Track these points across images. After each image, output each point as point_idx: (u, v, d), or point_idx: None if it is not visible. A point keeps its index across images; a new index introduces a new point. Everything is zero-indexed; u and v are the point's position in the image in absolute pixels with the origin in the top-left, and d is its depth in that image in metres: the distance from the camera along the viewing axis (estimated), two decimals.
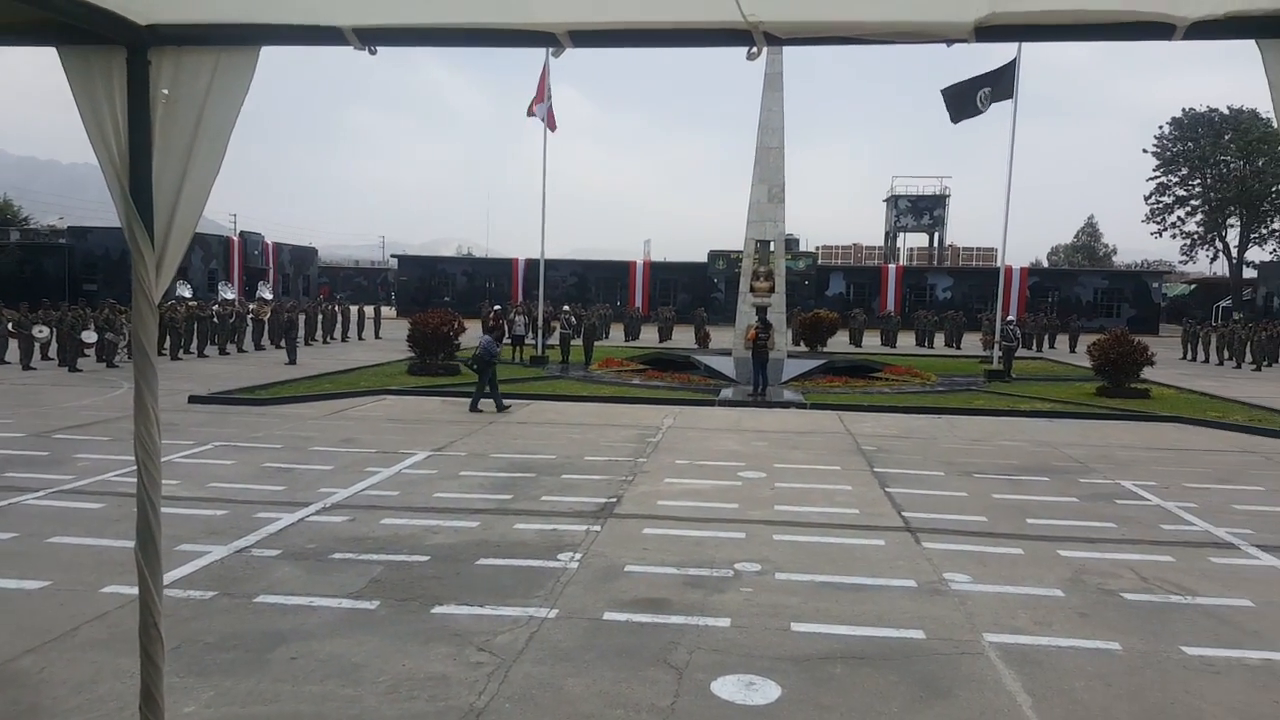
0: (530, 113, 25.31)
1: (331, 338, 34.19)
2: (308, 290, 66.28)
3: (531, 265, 50.14)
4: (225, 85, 2.72)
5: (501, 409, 16.44)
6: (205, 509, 9.00)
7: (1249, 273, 63.30)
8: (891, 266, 58.74)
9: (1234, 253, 63.24)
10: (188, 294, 34.83)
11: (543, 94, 24.87)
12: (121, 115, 2.71)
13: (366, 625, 6.10)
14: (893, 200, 65.59)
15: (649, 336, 38.96)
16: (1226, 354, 31.83)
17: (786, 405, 18.09)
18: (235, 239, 59.97)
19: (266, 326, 29.63)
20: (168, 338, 24.68)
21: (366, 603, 6.52)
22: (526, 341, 27.12)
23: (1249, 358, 30.68)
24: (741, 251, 24.24)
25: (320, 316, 34.48)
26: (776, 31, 2.09)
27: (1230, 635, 6.23)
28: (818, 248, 62.85)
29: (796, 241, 57.30)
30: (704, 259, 56.56)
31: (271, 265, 62.65)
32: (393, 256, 74.25)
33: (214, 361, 24.87)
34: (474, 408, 16.40)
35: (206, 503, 9.26)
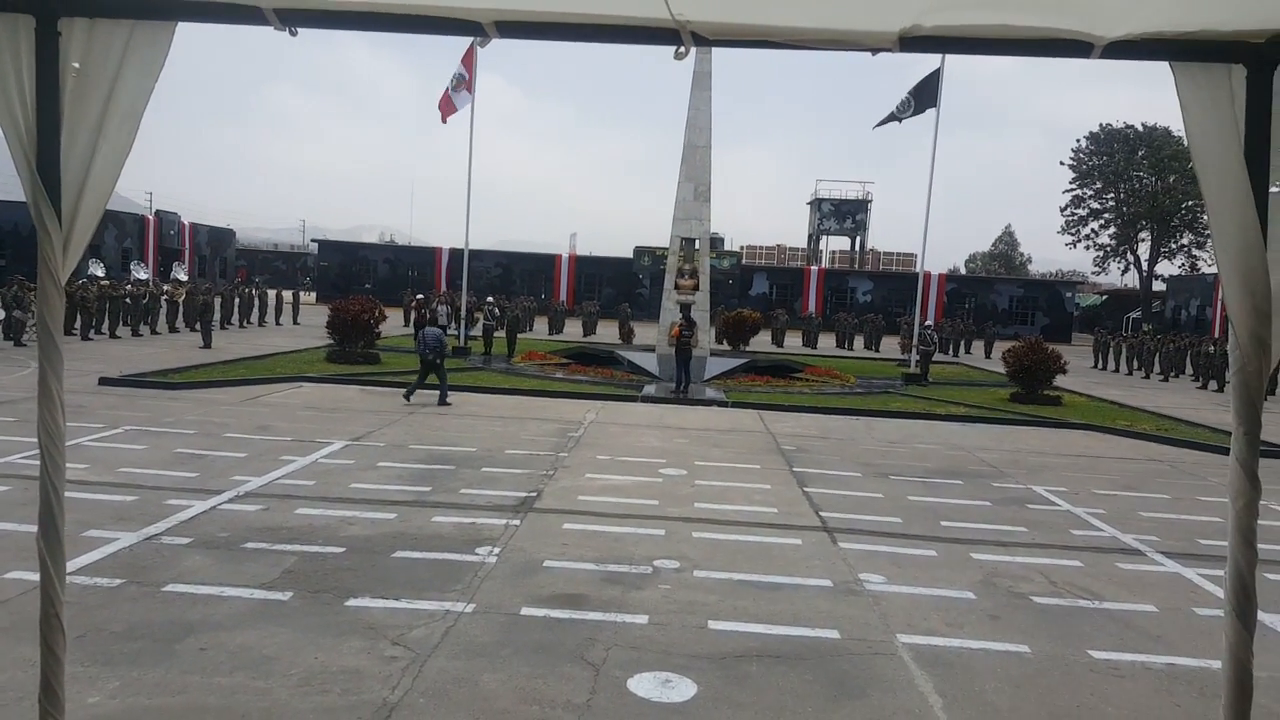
0: (450, 109, 24.43)
1: (249, 322, 33.23)
2: (225, 272, 64.31)
3: (455, 255, 49.54)
4: (139, 60, 2.60)
5: (444, 403, 16.17)
6: (114, 494, 8.67)
7: (1158, 285, 66.37)
8: (814, 268, 59.71)
9: (1144, 266, 66.22)
10: (100, 273, 33.37)
11: (468, 83, 24.40)
12: (29, 88, 2.57)
13: (279, 617, 5.95)
14: (816, 203, 66.72)
15: (573, 330, 38.87)
16: (1136, 364, 33.26)
17: (709, 403, 18.25)
18: (150, 218, 57.74)
19: (181, 308, 28.58)
20: (78, 317, 23.62)
21: (279, 594, 6.35)
22: (449, 332, 26.69)
23: (1157, 368, 32.04)
24: (667, 248, 24.37)
25: (237, 300, 33.45)
26: (704, 32, 2.07)
27: (1135, 640, 6.44)
28: (742, 247, 63.47)
29: (721, 240, 57.82)
30: (630, 254, 56.64)
31: (188, 246, 60.49)
32: (313, 241, 72.22)
33: (126, 343, 23.87)
34: (442, 401, 16.24)
35: (116, 488, 8.91)
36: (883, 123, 26.31)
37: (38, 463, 2.76)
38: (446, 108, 24.40)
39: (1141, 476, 12.89)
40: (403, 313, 36.27)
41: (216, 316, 27.91)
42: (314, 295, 53.99)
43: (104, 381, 16.06)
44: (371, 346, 21.86)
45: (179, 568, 6.78)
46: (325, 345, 22.52)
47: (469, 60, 24.29)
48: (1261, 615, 2.28)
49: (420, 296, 30.50)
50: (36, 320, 2.69)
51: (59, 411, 2.69)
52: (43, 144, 2.58)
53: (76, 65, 2.59)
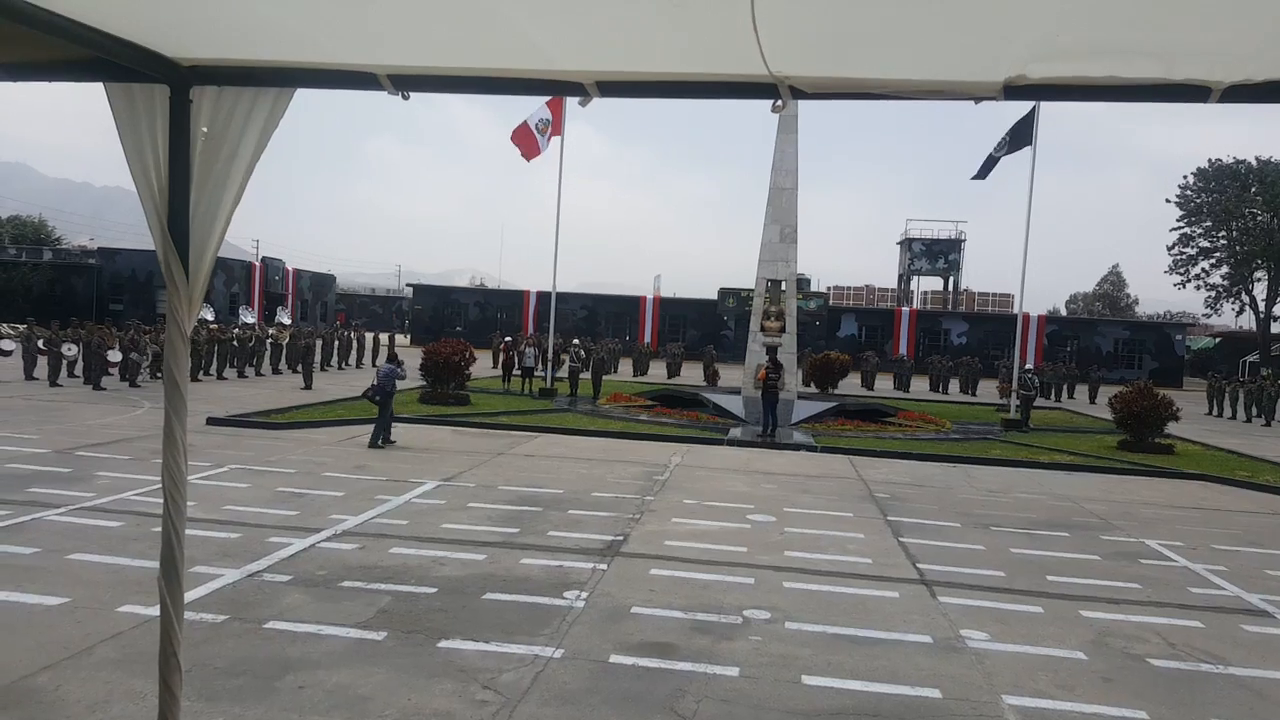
0: (535, 150, 24.93)
1: (347, 364, 34.39)
2: (325, 316, 67.06)
3: (543, 298, 50.41)
4: (260, 121, 2.77)
5: (381, 444, 15.09)
6: (219, 531, 9.00)
7: (1277, 328, 62.62)
8: (905, 309, 58.57)
9: (1261, 307, 62.62)
10: (210, 316, 35.20)
11: (558, 126, 24.98)
12: (163, 149, 2.76)
13: (373, 656, 6.04)
14: (906, 243, 65.62)
15: (657, 372, 38.93)
16: (1255, 411, 31.38)
17: (797, 447, 17.95)
18: (257, 264, 60.79)
19: (284, 351, 29.85)
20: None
21: (374, 633, 6.47)
22: (536, 374, 27.13)
23: (1277, 415, 30.20)
24: (752, 290, 24.27)
25: (337, 342, 34.70)
26: (802, 86, 2.07)
27: (1265, 709, 6.01)
28: (829, 288, 62.87)
29: (808, 281, 57.34)
30: (714, 296, 56.62)
31: (291, 291, 63.40)
32: (408, 285, 74.78)
33: (232, 384, 25.02)
34: (381, 442, 15.21)
35: (221, 525, 9.26)
36: (982, 172, 25.88)
37: (152, 500, 2.89)
38: (526, 144, 24.84)
39: (1266, 531, 12.08)
40: (491, 355, 37.09)
41: (317, 358, 28.97)
42: (408, 337, 55.67)
43: (211, 421, 16.81)
44: (462, 388, 22.33)
45: (279, 605, 6.97)
46: (418, 386, 23.12)
47: (556, 106, 24.87)
48: None
49: (509, 339, 31.09)
50: (164, 370, 2.84)
51: (182, 456, 2.82)
52: (174, 203, 2.75)
53: (205, 130, 2.77)
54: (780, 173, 23.37)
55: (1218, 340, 70.52)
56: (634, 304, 58.74)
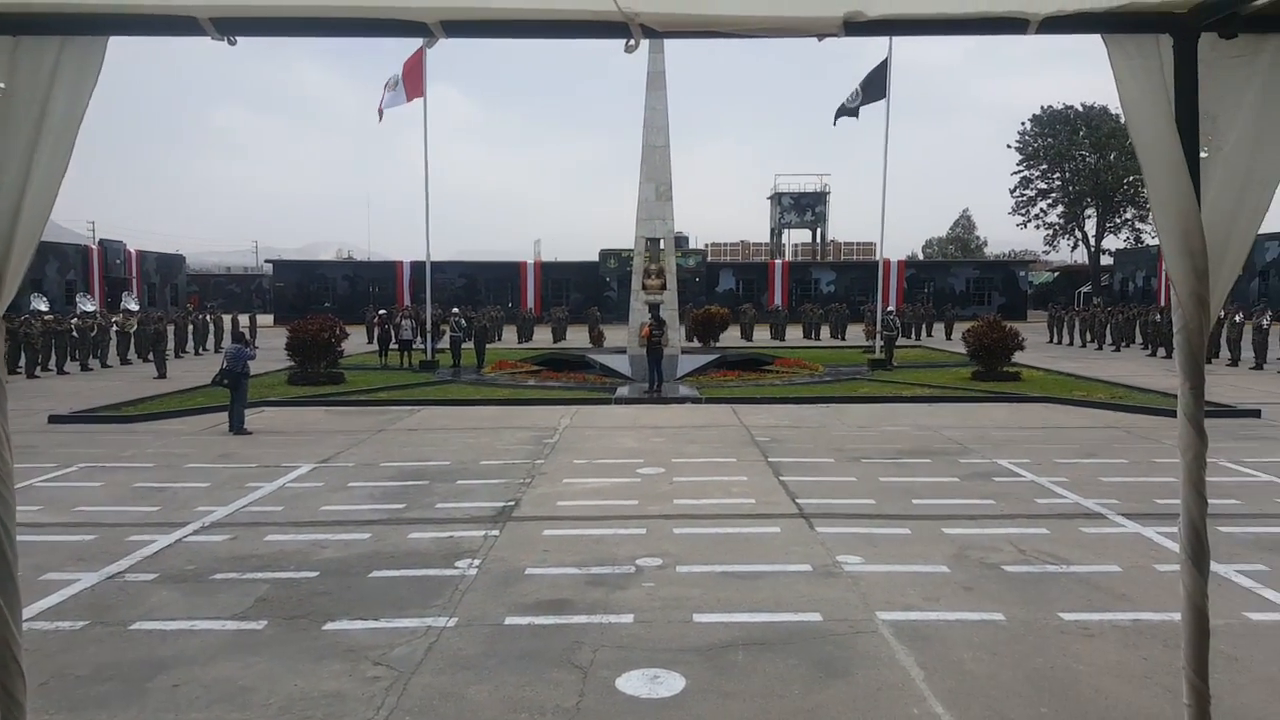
0: (381, 110, 24.50)
1: (204, 349, 32.67)
2: (176, 300, 63.38)
3: (417, 268, 49.06)
4: (70, 78, 2.49)
5: (238, 430, 14.31)
6: (72, 534, 8.47)
7: (1106, 260, 67.85)
8: (778, 262, 60.19)
9: (1092, 241, 67.67)
10: (43, 307, 32.60)
11: (419, 88, 24.23)
12: None
13: (254, 646, 5.86)
14: (776, 198, 67.24)
15: (543, 337, 38.74)
16: (1088, 336, 33.93)
17: (682, 400, 18.30)
18: (94, 247, 56.71)
19: (132, 339, 28.02)
20: (22, 355, 23.06)
21: (253, 623, 6.26)
22: (415, 346, 26.54)
23: (1109, 339, 32.74)
24: (632, 250, 24.40)
25: (190, 327, 32.89)
26: (652, 23, 2.09)
27: (1102, 600, 6.62)
28: (707, 245, 63.85)
29: (686, 239, 58.07)
30: (595, 258, 56.61)
31: (135, 274, 59.54)
32: (267, 262, 70.93)
33: (75, 378, 23.34)
34: (237, 429, 14.39)
35: (73, 528, 8.71)
36: (839, 116, 26.62)
37: None
38: (380, 106, 24.38)
39: (1099, 444, 13.17)
40: (365, 330, 35.96)
41: (170, 345, 27.37)
42: (271, 317, 53.27)
43: (54, 420, 15.67)
44: (335, 366, 21.60)
45: (146, 605, 6.64)
46: (285, 368, 22.21)
47: (414, 65, 24.07)
48: (1214, 565, 2.35)
49: (383, 312, 30.22)
50: None
51: (6, 449, 2.59)
52: None
53: (3, 85, 2.50)
54: (652, 130, 23.43)
55: (1056, 274, 75.71)
56: (514, 270, 58.05)
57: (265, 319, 47.82)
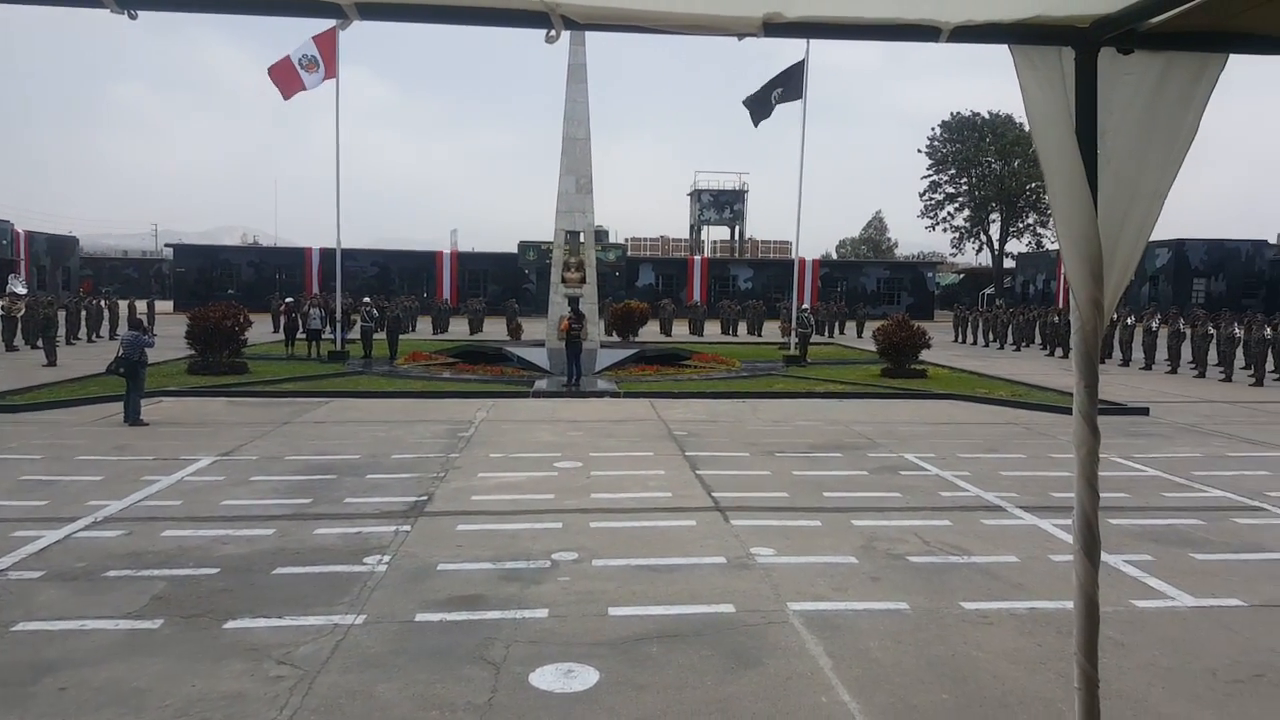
0: (297, 86, 23.48)
1: (98, 335, 31.10)
2: (68, 284, 60.33)
3: (327, 255, 47.91)
4: None
5: (134, 421, 13.76)
6: None
7: (1009, 263, 70.72)
8: (697, 258, 60.72)
9: (995, 245, 70.40)
10: None
11: (331, 69, 23.54)
12: None
13: (149, 647, 5.62)
14: (696, 194, 67.87)
15: (459, 329, 38.19)
16: (991, 336, 35.33)
17: (601, 394, 18.30)
18: None
19: (20, 325, 26.49)
20: None
21: (148, 622, 6.00)
22: (324, 336, 25.83)
23: (1010, 339, 34.16)
24: (552, 242, 24.24)
25: (83, 313, 31.27)
26: (573, 15, 2.07)
27: (1000, 589, 6.90)
28: (627, 239, 63.98)
29: (606, 233, 57.94)
30: (514, 249, 55.97)
31: (23, 256, 56.45)
32: (167, 246, 67.84)
33: None
34: (133, 420, 13.83)
35: None
36: (753, 111, 26.90)
37: None
38: (286, 80, 23.28)
39: (1000, 439, 13.72)
40: (271, 318, 34.85)
41: (61, 331, 26.05)
42: (170, 304, 51.12)
43: None
44: (238, 355, 20.85)
45: (30, 604, 6.31)
46: (185, 357, 21.33)
47: (327, 45, 23.36)
48: (1105, 556, 2.48)
49: (290, 300, 29.33)
50: None
51: None
52: None
53: None
54: (573, 123, 23.31)
55: (962, 276, 78.55)
56: (430, 259, 57.04)
57: (165, 305, 45.87)
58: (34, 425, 13.72)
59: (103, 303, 33.27)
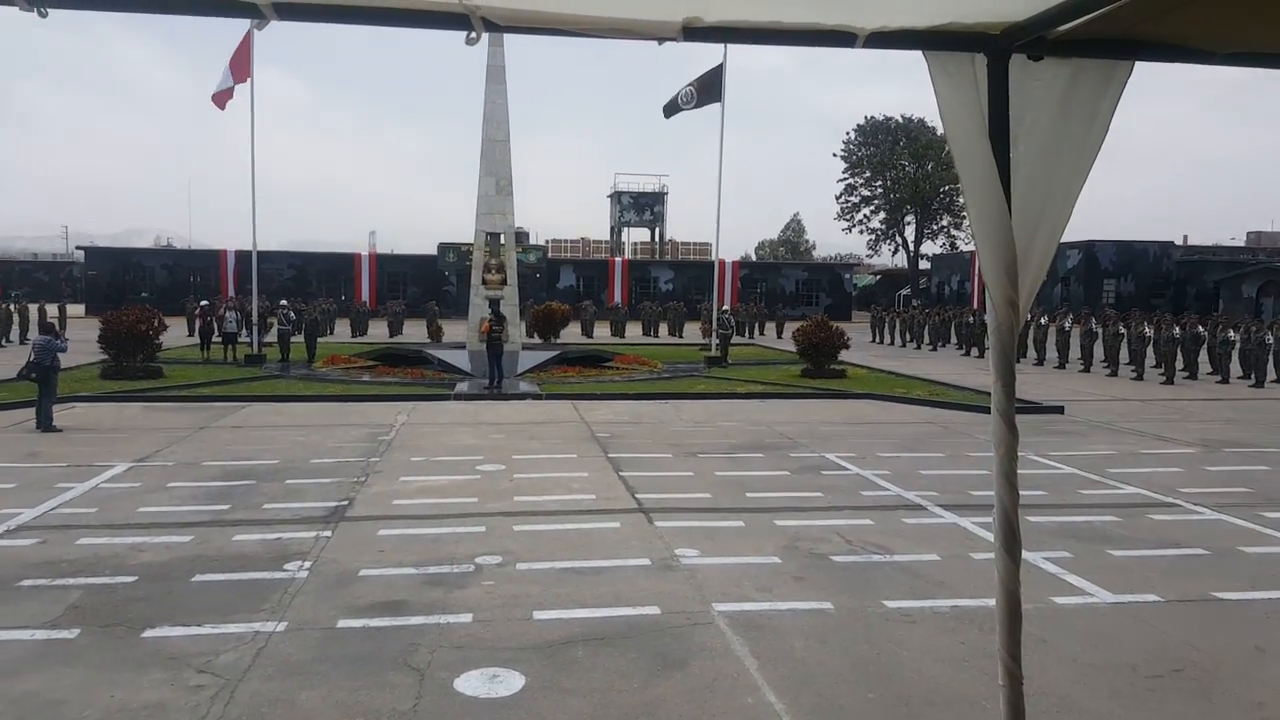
0: (221, 99, 23.32)
1: (7, 340, 29.75)
2: None
3: (243, 257, 46.45)
4: None
5: (46, 428, 13.30)
6: None
7: (924, 264, 72.72)
8: (618, 260, 60.87)
9: (911, 246, 72.31)
10: None
11: (246, 71, 22.98)
12: None
13: (66, 657, 5.44)
14: (616, 196, 67.99)
15: (378, 332, 37.47)
16: (908, 336, 36.26)
17: (523, 397, 18.18)
18: None
19: None
20: None
21: (65, 632, 5.81)
22: (240, 339, 25.10)
23: (926, 339, 35.12)
24: (472, 244, 24.02)
25: None
26: (493, 18, 2.07)
27: (923, 587, 7.02)
28: (548, 241, 63.73)
29: (527, 235, 57.60)
30: (434, 251, 55.27)
31: None
32: (78, 249, 65.16)
33: None
34: (45, 426, 13.34)
35: None
36: (671, 112, 27.06)
37: None
38: (223, 97, 23.19)
39: (919, 438, 14.07)
40: (186, 322, 33.71)
41: None
42: (83, 307, 48.91)
43: None
44: (153, 359, 20.12)
45: None
46: (99, 361, 20.44)
47: (242, 52, 22.87)
48: (1026, 553, 2.56)
49: (205, 303, 28.38)
50: None
51: None
52: None
53: None
54: (492, 124, 23.15)
55: (879, 277, 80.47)
56: (348, 262, 55.81)
57: (76, 309, 43.94)
58: None
59: (13, 306, 31.78)
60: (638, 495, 9.83)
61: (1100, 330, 25.81)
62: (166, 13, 2.07)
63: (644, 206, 67.64)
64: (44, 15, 2.06)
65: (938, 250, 72.49)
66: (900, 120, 69.74)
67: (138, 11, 2.06)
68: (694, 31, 2.23)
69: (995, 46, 2.50)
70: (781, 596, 6.74)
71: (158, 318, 20.49)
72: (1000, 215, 2.54)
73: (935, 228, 71.83)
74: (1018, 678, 2.70)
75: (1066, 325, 27.54)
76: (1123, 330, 24.90)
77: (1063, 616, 6.45)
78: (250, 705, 4.86)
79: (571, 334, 35.79)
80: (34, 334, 18.98)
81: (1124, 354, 24.68)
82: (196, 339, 26.22)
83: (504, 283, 23.23)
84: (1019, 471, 2.68)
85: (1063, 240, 2.85)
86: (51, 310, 32.47)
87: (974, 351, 30.86)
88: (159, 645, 5.64)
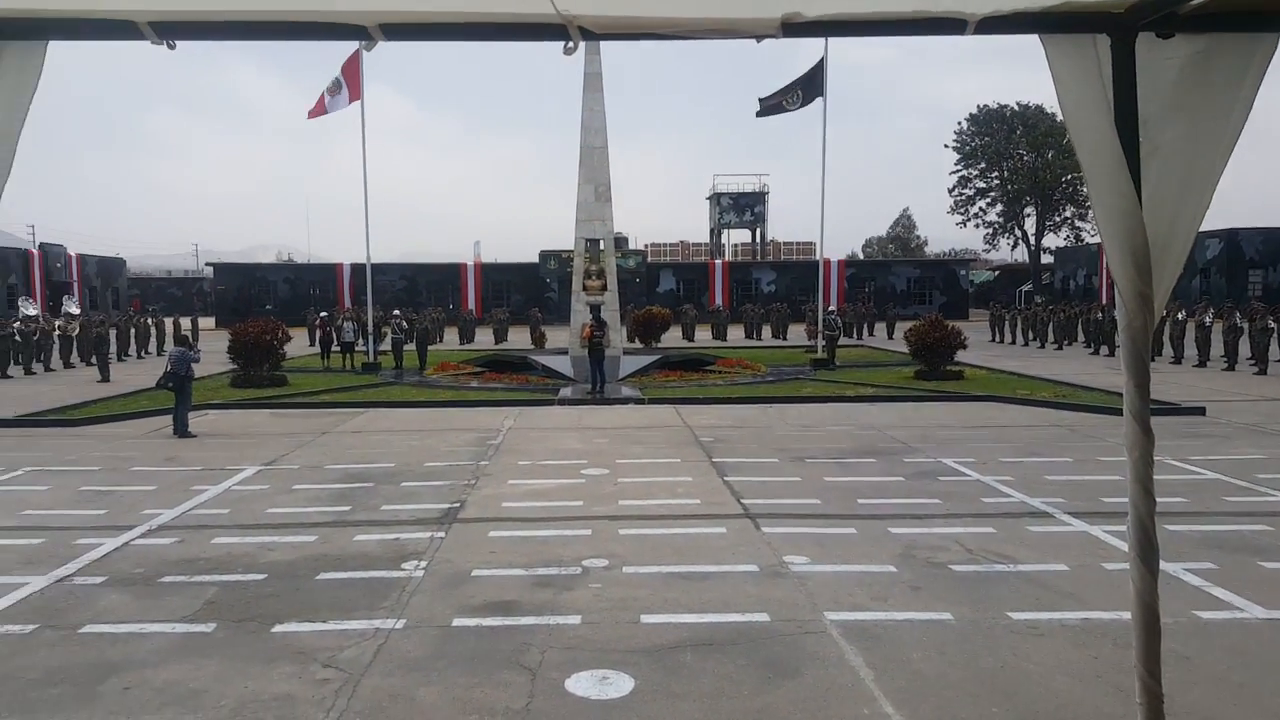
0: (320, 110, 24.47)
1: (146, 352, 31.94)
2: (118, 303, 61.90)
3: (358, 270, 48.50)
4: (10, 84, 2.42)
5: (183, 434, 14.14)
6: (19, 538, 8.33)
7: (1046, 258, 69.43)
8: (718, 262, 60.62)
9: (1032, 240, 69.16)
10: None
11: (356, 91, 24.03)
12: None
13: (204, 649, 5.78)
14: (715, 198, 67.71)
15: (484, 339, 38.43)
16: (1030, 335, 34.63)
17: (625, 401, 18.29)
18: (34, 252, 55.52)
19: (75, 343, 27.20)
20: None
21: (202, 626, 6.18)
22: (357, 348, 26.21)
23: (1050, 337, 33.45)
24: (572, 251, 24.35)
25: (133, 330, 32.07)
26: (590, 26, 2.08)
27: (1050, 599, 6.65)
28: (647, 245, 64.13)
29: (626, 240, 58.16)
30: (536, 259, 56.33)
31: (76, 278, 58.11)
32: (208, 265, 69.55)
33: (19, 382, 22.62)
34: (182, 432, 14.22)
35: (20, 531, 8.56)
36: (767, 112, 26.73)
37: None
38: (317, 111, 24.38)
39: (1044, 442, 13.40)
40: (307, 332, 35.36)
41: (113, 349, 26.75)
42: (213, 320, 52.12)
43: None
44: (277, 368, 21.24)
45: (95, 608, 6.55)
46: (228, 371, 21.75)
47: (352, 68, 23.90)
48: (1163, 564, 2.37)
49: (324, 314, 29.76)
50: None
51: None
52: None
53: None
54: (590, 132, 23.42)
55: (996, 273, 77.39)
56: (455, 271, 57.53)
57: (207, 322, 46.76)
58: (91, 439, 14.15)
59: (150, 320, 34.09)
60: (743, 500, 9.72)
61: (1246, 325, 24.04)
62: (282, 39, 2.17)
63: (744, 207, 67.16)
64: (172, 47, 2.20)
65: (1061, 243, 69.11)
66: (1016, 107, 66.90)
67: (254, 39, 2.17)
68: (793, 27, 2.19)
69: (1120, 26, 2.35)
70: (897, 606, 6.52)
71: (281, 329, 21.61)
72: (1128, 204, 2.39)
73: (1057, 219, 68.41)
74: (1157, 695, 2.54)
75: (1207, 320, 25.75)
76: (1272, 325, 23.03)
77: (1207, 632, 5.99)
78: (372, 699, 5.04)
79: (672, 338, 35.82)
80: (170, 346, 20.36)
81: (1274, 350, 22.87)
82: (317, 348, 27.50)
83: (604, 288, 23.46)
84: (1155, 477, 2.52)
85: (1201, 229, 2.66)
86: (185, 323, 34.64)
87: (1104, 350, 29.15)
88: (288, 640, 5.93)
